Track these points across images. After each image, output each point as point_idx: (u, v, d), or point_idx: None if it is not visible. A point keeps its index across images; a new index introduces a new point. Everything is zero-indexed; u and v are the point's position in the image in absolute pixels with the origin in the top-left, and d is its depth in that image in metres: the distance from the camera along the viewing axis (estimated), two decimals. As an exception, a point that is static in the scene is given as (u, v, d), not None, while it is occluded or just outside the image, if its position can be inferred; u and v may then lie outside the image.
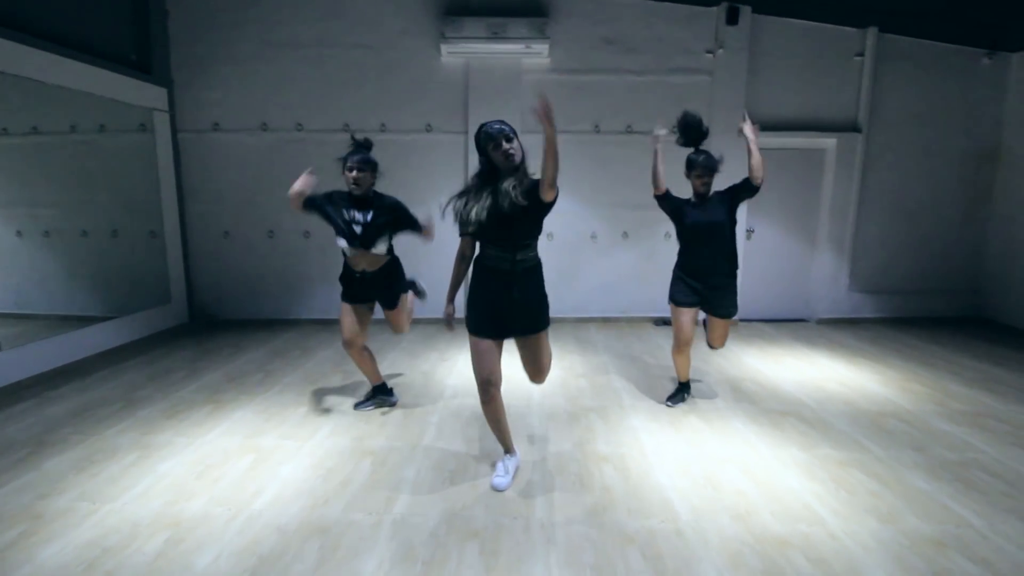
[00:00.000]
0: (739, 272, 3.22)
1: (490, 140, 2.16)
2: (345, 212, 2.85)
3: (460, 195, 2.28)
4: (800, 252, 5.76)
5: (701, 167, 3.04)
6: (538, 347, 2.39)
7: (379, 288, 3.06)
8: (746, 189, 3.02)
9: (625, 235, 5.58)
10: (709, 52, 5.31)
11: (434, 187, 5.29)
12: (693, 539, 2.07)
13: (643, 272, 5.61)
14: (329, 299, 5.57)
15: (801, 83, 5.44)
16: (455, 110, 5.32)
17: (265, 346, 4.72)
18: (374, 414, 3.23)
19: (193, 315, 5.47)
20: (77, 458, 2.69)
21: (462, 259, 2.39)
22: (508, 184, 2.14)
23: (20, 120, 4.01)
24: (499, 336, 2.34)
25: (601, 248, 5.59)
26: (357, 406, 3.29)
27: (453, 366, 4.19)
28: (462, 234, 2.32)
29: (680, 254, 3.26)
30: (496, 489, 2.40)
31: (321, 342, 4.86)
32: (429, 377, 3.92)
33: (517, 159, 2.18)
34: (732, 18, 5.17)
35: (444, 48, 5.02)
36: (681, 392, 3.43)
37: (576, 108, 5.36)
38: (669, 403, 3.38)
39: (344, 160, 2.82)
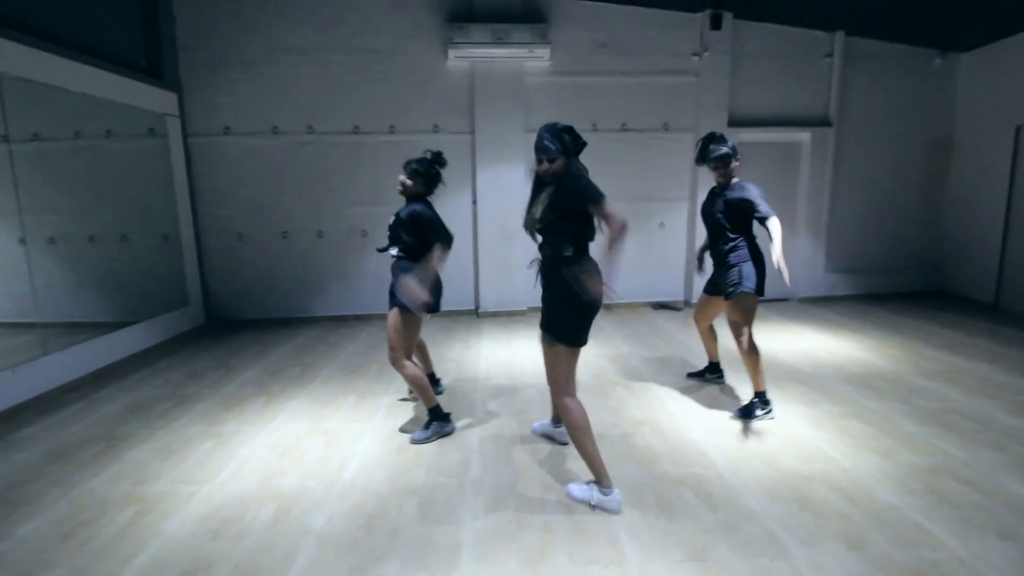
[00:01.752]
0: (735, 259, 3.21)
1: (535, 152, 2.26)
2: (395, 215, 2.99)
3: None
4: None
5: (709, 162, 3.15)
6: (546, 352, 2.40)
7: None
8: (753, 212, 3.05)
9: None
10: (695, 55, 5.72)
11: (442, 186, 5.53)
12: (733, 480, 2.44)
13: (640, 260, 6.01)
14: (344, 295, 5.76)
15: (778, 82, 5.92)
16: (461, 111, 5.57)
17: (290, 343, 4.89)
18: (422, 397, 3.49)
19: (209, 316, 5.57)
20: (155, 448, 2.87)
21: None
22: (546, 192, 2.29)
23: (20, 126, 3.91)
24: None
25: (600, 238, 5.93)
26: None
27: (479, 352, 4.48)
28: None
29: None
30: (532, 431, 2.95)
31: (343, 336, 5.06)
32: (460, 365, 4.20)
33: (549, 176, 2.25)
34: (716, 23, 5.58)
35: (451, 52, 5.26)
36: (703, 371, 3.72)
37: (575, 108, 5.69)
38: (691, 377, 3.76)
39: None
